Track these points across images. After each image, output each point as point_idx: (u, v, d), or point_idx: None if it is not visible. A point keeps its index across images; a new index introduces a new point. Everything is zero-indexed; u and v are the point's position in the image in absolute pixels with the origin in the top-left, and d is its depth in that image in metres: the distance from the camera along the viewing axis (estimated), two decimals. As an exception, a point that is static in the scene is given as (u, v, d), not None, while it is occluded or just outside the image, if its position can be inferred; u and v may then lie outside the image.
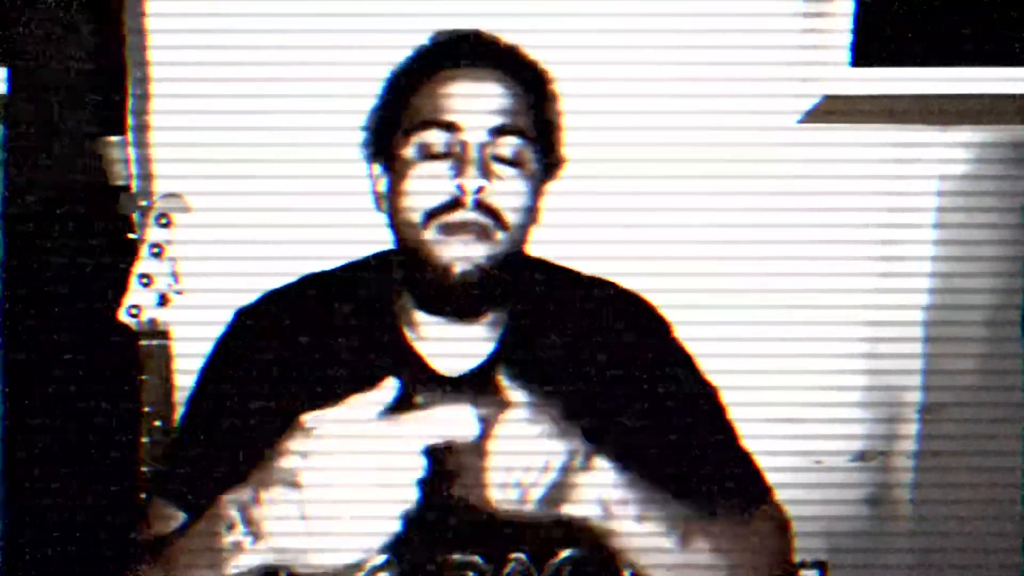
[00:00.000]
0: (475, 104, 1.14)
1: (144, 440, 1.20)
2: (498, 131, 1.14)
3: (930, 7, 1.75)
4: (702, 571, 1.07)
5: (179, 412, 1.23)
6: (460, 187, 1.11)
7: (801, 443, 1.70)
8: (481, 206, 1.12)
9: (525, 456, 0.99)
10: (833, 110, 1.72)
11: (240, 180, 1.54)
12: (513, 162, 1.15)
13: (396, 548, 1.11)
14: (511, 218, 1.14)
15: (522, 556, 1.17)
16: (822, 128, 1.72)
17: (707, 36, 1.63)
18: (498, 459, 0.98)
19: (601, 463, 1.02)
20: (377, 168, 1.23)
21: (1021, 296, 1.62)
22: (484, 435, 0.97)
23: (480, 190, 1.11)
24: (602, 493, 1.01)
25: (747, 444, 1.24)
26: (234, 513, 0.84)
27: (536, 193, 1.19)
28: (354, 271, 1.27)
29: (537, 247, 1.30)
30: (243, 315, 1.23)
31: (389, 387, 0.83)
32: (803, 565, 1.71)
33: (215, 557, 0.86)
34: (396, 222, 1.18)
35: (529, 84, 1.20)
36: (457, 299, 1.15)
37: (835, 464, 1.79)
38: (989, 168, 1.73)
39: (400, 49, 1.24)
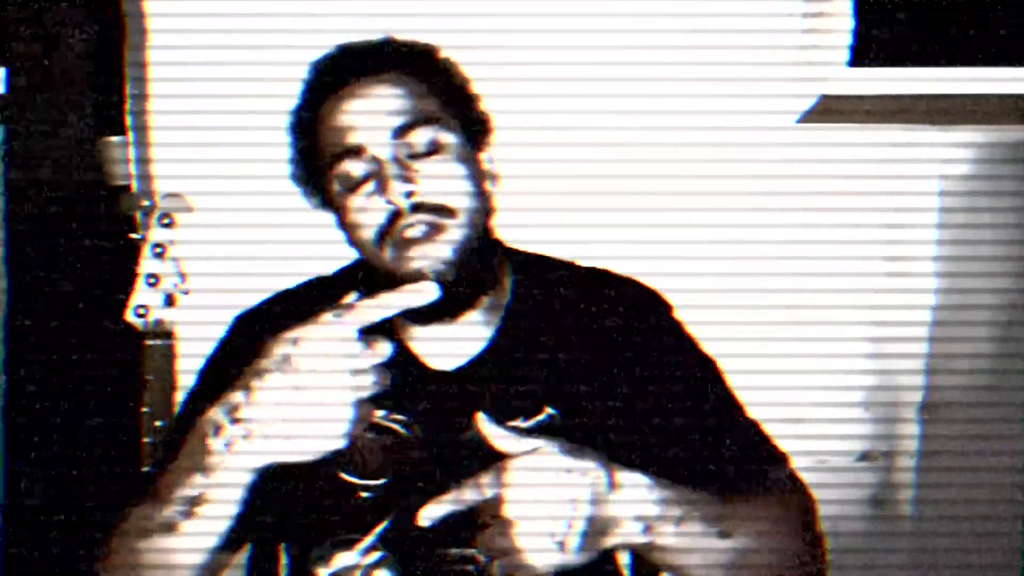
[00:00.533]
0: (369, 117, 1.13)
1: (146, 440, 1.19)
2: (401, 131, 1.13)
3: (928, 7, 1.75)
4: (747, 557, 1.03)
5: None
6: (390, 202, 1.11)
7: (805, 443, 1.70)
8: (420, 208, 1.11)
9: (547, 505, 0.92)
10: (832, 110, 1.72)
11: (241, 180, 1.53)
12: (431, 151, 1.13)
13: (394, 543, 1.12)
14: (455, 203, 1.13)
15: None
16: (822, 128, 1.72)
17: (706, 36, 1.63)
18: (521, 523, 0.92)
19: (627, 477, 0.96)
20: (327, 213, 1.22)
21: (1023, 295, 1.62)
22: (497, 498, 0.93)
23: (410, 195, 1.11)
24: (639, 511, 0.96)
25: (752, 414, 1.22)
26: (221, 417, 0.92)
27: (473, 166, 1.17)
28: (349, 274, 1.27)
29: (533, 246, 1.29)
30: (241, 320, 1.24)
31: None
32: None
33: (205, 463, 0.93)
34: (360, 253, 1.17)
35: (417, 68, 1.18)
36: (440, 302, 1.12)
37: (839, 464, 1.79)
38: (991, 168, 1.73)
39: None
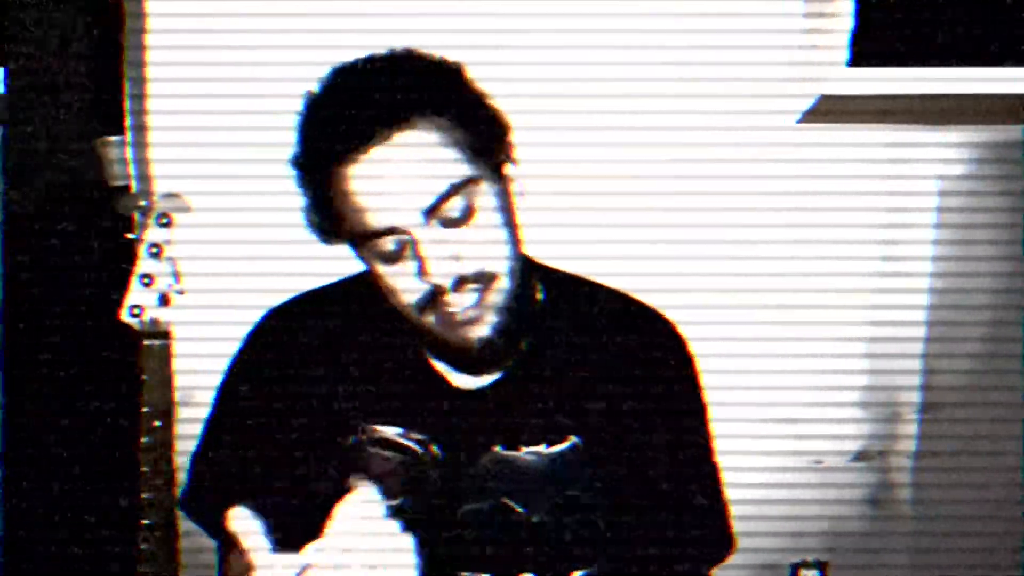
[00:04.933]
0: (396, 197, 1.03)
1: (144, 440, 1.19)
2: (433, 209, 1.03)
3: (928, 7, 1.75)
4: None
5: (178, 412, 1.23)
6: (432, 285, 1.04)
7: (801, 443, 1.70)
8: (462, 282, 1.05)
9: None
10: (832, 110, 1.72)
11: (239, 180, 1.54)
12: (467, 216, 1.05)
13: (418, 564, 1.13)
14: (497, 265, 1.07)
15: None
16: (821, 128, 1.72)
17: (706, 36, 1.63)
18: None
19: None
20: (349, 249, 1.13)
21: (1021, 296, 1.62)
22: None
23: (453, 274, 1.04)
24: None
25: (727, 493, 1.21)
26: None
27: (508, 212, 1.10)
28: (354, 287, 1.21)
29: (539, 248, 1.29)
30: (273, 316, 1.20)
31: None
32: (804, 565, 1.71)
33: None
34: (400, 313, 1.10)
35: (443, 105, 1.05)
36: (484, 358, 1.11)
37: (835, 464, 1.79)
38: (988, 168, 1.73)
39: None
